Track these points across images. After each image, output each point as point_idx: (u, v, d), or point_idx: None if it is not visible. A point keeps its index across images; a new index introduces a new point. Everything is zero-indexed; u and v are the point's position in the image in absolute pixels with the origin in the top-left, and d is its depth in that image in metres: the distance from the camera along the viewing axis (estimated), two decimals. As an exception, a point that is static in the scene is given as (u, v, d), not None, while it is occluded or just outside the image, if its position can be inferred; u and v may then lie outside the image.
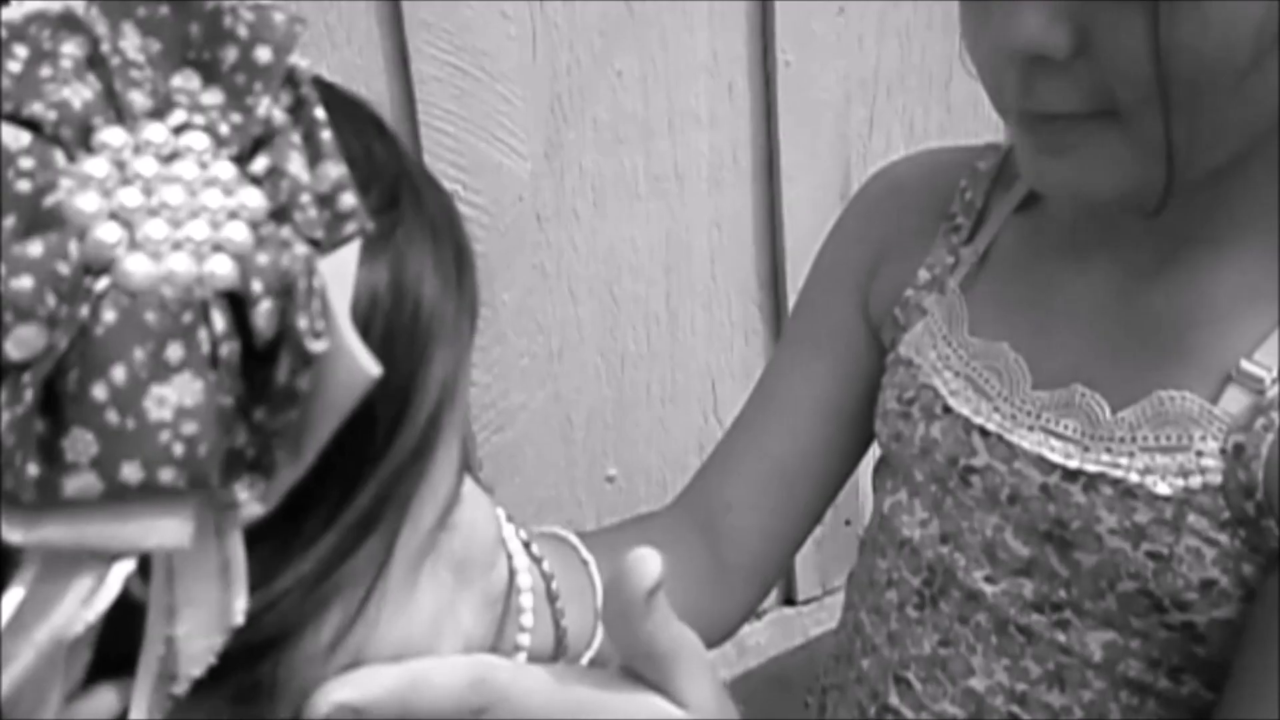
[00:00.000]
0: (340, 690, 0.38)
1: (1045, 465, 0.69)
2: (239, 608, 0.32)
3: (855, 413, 0.85)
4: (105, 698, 0.33)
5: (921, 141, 1.49)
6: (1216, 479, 0.63)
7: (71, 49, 0.28)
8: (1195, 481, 0.64)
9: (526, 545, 0.70)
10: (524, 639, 0.67)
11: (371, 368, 0.29)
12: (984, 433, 0.72)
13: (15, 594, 0.28)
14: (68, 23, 0.28)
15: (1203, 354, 0.66)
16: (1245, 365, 0.64)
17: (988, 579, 0.73)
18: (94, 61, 0.28)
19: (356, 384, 0.29)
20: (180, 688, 0.33)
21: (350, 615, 0.37)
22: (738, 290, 1.43)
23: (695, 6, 1.31)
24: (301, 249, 0.28)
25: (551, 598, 0.69)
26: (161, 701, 0.33)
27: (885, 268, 0.83)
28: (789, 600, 1.59)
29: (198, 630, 0.32)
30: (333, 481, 0.33)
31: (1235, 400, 0.64)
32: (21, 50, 0.28)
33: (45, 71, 0.27)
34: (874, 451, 0.85)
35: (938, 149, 0.88)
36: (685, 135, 1.34)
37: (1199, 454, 0.64)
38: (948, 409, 0.75)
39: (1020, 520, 0.71)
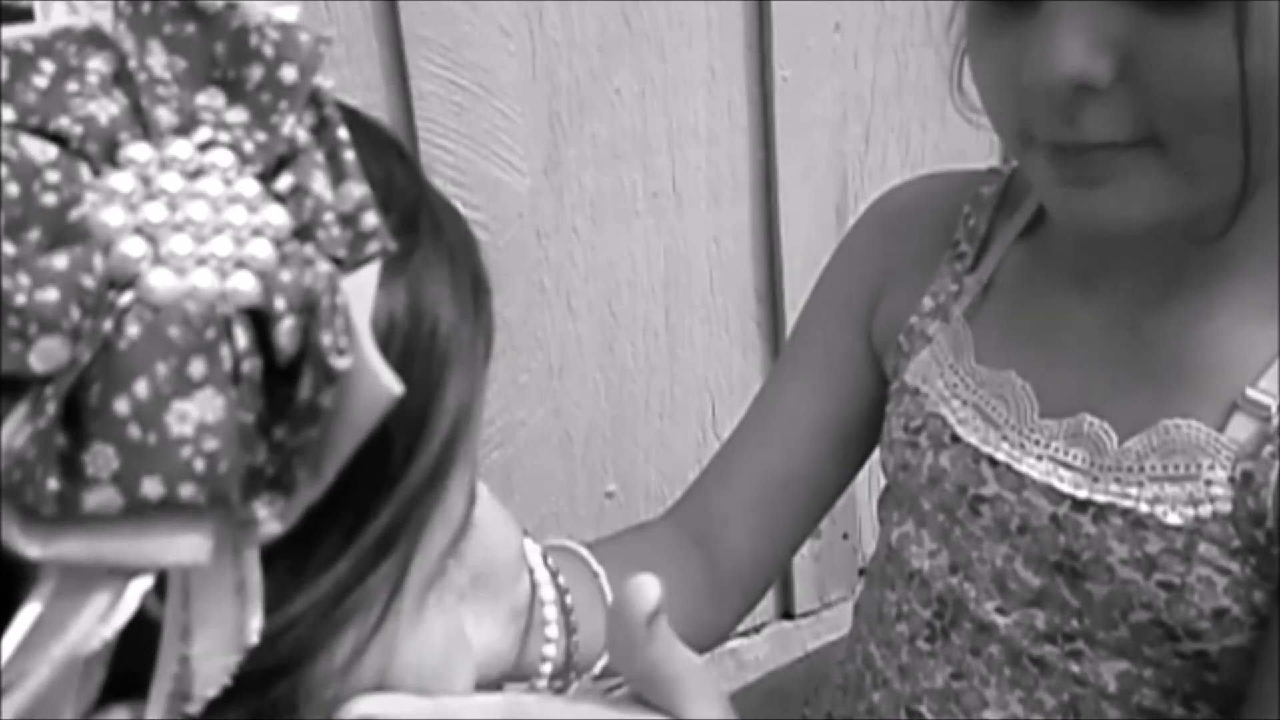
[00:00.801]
0: (367, 704, 0.38)
1: (1055, 495, 0.69)
2: (254, 627, 0.32)
3: (851, 432, 0.86)
4: (118, 717, 0.33)
5: (918, 157, 1.50)
6: (1226, 507, 0.63)
7: (98, 64, 0.28)
8: (1205, 510, 0.63)
9: (544, 557, 0.70)
10: (549, 650, 0.67)
11: (394, 386, 0.29)
12: (993, 462, 0.72)
13: (32, 609, 0.28)
14: (94, 39, 0.28)
15: (1208, 382, 0.66)
16: (1250, 393, 0.64)
17: (999, 610, 0.73)
18: (120, 77, 0.28)
19: (378, 402, 0.29)
20: (194, 708, 0.32)
21: (364, 638, 0.36)
22: (736, 306, 1.44)
23: (693, 23, 1.31)
24: (324, 267, 0.29)
25: (566, 610, 0.69)
26: None
27: (889, 294, 0.83)
28: (787, 614, 1.59)
29: (212, 650, 0.32)
30: (349, 503, 0.33)
31: (1242, 427, 0.64)
32: (48, 65, 0.28)
33: (72, 86, 0.27)
34: (874, 476, 0.86)
35: (941, 173, 0.88)
36: (683, 151, 1.35)
37: (1208, 483, 0.64)
38: (956, 438, 0.74)
39: (1030, 550, 0.70)
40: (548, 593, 0.68)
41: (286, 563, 0.33)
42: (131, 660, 0.32)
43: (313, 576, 0.33)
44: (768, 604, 1.57)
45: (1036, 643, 0.71)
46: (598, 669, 0.72)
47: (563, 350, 1.34)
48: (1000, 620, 0.72)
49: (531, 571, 0.67)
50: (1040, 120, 0.61)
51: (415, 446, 0.35)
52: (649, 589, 0.43)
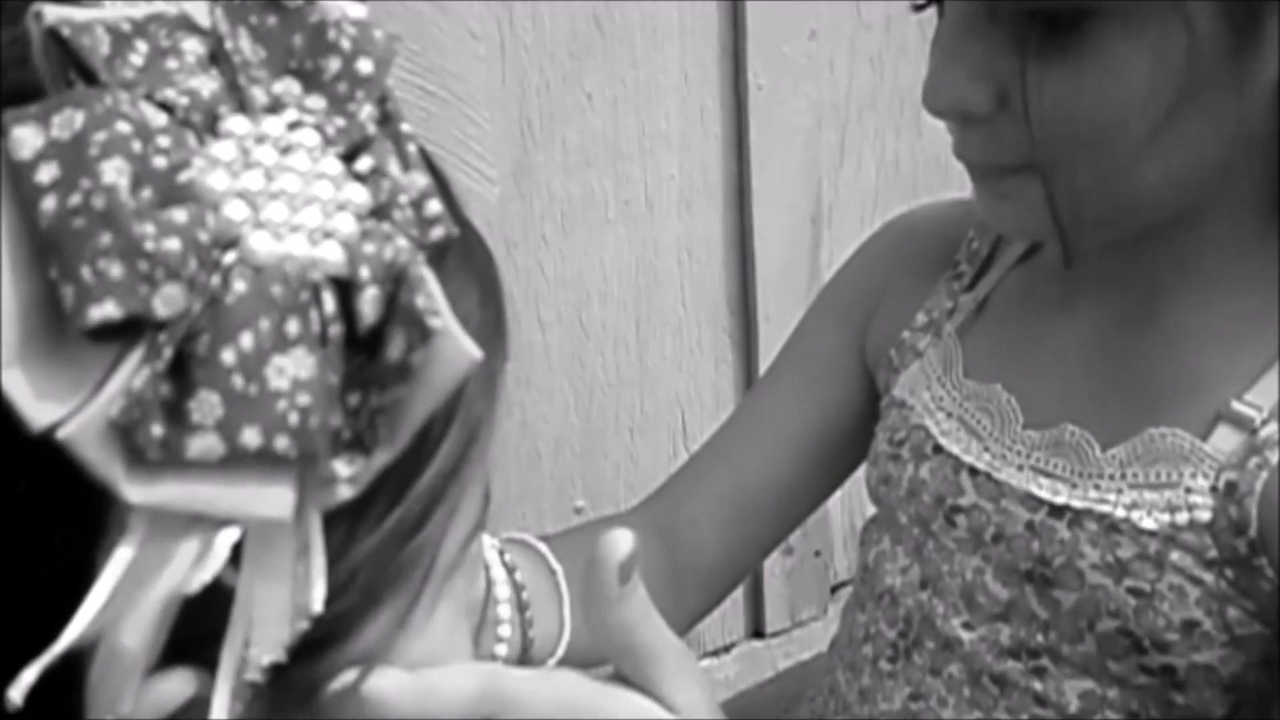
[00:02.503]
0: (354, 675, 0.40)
1: (1032, 502, 0.72)
2: (318, 594, 0.34)
3: (833, 449, 0.89)
4: (179, 680, 0.35)
5: (892, 166, 1.54)
6: (1205, 516, 0.66)
7: (193, 46, 0.32)
8: (1182, 518, 0.66)
9: (501, 554, 0.74)
10: (500, 649, 0.70)
11: (473, 350, 0.33)
12: (973, 471, 0.75)
13: (125, 553, 0.31)
14: (184, 24, 0.32)
15: (1191, 395, 0.69)
16: (1235, 405, 0.67)
17: (965, 625, 0.75)
18: (215, 58, 0.32)
19: (459, 366, 0.33)
20: (255, 675, 0.34)
21: (398, 618, 0.39)
22: (708, 317, 1.47)
23: (666, 27, 1.35)
24: (403, 241, 0.32)
25: (521, 607, 0.72)
26: (241, 689, 0.35)
27: (885, 309, 0.87)
28: (757, 633, 1.61)
29: (274, 614, 0.33)
30: (394, 475, 0.36)
31: (1226, 438, 0.67)
32: (142, 45, 0.31)
33: (171, 64, 0.31)
34: (849, 494, 0.88)
35: (958, 200, 0.92)
36: (655, 158, 1.38)
37: (1188, 490, 0.66)
38: (938, 448, 0.77)
39: (1002, 560, 0.73)
40: (502, 591, 0.71)
41: (338, 530, 0.35)
42: (185, 626, 0.34)
43: (359, 545, 0.36)
44: (738, 623, 1.60)
45: (1000, 658, 0.73)
46: (550, 665, 0.75)
47: (530, 361, 1.37)
48: (965, 636, 0.75)
49: (487, 568, 0.70)
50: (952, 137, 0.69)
51: (448, 426, 0.38)
52: (621, 540, 0.43)
